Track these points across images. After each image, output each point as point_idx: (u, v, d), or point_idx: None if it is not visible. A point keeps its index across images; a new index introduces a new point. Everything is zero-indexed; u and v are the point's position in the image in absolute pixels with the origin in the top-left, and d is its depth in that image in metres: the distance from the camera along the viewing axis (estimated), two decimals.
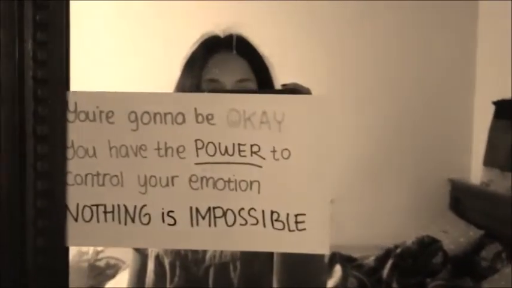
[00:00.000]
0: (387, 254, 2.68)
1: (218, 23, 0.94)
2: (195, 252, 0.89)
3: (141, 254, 0.97)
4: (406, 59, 3.14)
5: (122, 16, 3.08)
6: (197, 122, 0.59)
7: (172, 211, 0.60)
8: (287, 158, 0.59)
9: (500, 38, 2.78)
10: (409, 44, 3.14)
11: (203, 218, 0.60)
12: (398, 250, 2.65)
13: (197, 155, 0.60)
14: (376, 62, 3.14)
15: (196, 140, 0.60)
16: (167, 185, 0.60)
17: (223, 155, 0.60)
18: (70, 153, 0.59)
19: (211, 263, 0.90)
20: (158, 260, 0.93)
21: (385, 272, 2.63)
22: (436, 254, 2.71)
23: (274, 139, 0.59)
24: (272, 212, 0.60)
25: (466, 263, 2.66)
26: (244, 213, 0.60)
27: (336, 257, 2.76)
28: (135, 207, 0.60)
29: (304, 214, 0.60)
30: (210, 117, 0.59)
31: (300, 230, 0.60)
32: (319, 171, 0.60)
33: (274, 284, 0.84)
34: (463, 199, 3.06)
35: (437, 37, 3.11)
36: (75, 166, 0.59)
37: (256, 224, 0.60)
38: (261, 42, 0.94)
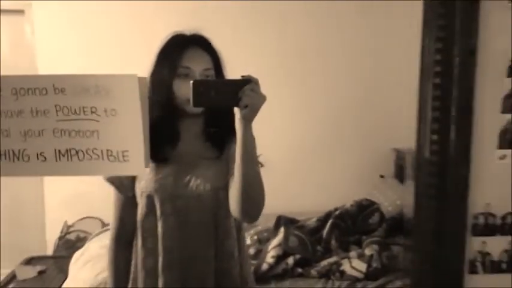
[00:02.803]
0: (328, 215, 3.04)
1: (180, 24, 1.30)
2: (178, 188, 1.24)
3: (125, 196, 1.30)
4: (356, 35, 3.45)
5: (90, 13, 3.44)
6: (55, 93, 0.96)
7: (43, 152, 0.97)
8: (115, 115, 0.96)
9: None
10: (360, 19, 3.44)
11: (64, 156, 0.97)
12: (338, 212, 3.02)
13: (57, 115, 0.96)
14: (324, 37, 3.46)
15: (55, 105, 0.96)
16: (39, 135, 0.97)
17: (74, 114, 0.96)
18: None
19: (190, 195, 1.25)
20: (149, 197, 1.27)
21: (325, 231, 2.99)
22: (373, 214, 3.08)
23: (106, 103, 0.96)
24: (107, 150, 0.97)
25: (401, 222, 3.03)
26: (90, 152, 0.97)
27: (280, 220, 3.11)
28: (19, 150, 0.97)
29: (127, 150, 0.97)
30: (63, 90, 0.96)
31: (126, 161, 0.97)
32: (136, 124, 0.96)
33: (233, 212, 1.18)
34: (405, 167, 3.43)
35: (384, 15, 3.39)
36: None
37: (98, 158, 0.97)
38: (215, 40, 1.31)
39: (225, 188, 1.24)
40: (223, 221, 1.28)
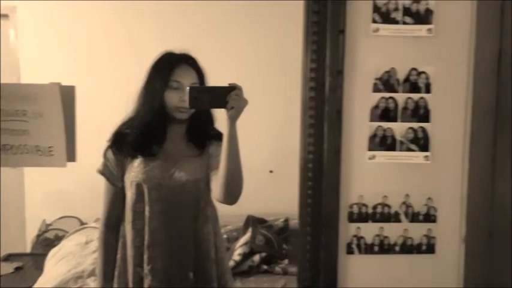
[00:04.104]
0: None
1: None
2: (163, 179, 1.51)
3: (115, 186, 1.57)
4: None
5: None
6: None
7: None
8: (41, 117, 1.25)
9: None
10: None
11: (5, 150, 1.26)
12: None
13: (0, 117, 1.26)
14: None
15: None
16: None
17: (10, 116, 1.26)
18: None
19: (174, 185, 1.52)
20: (138, 186, 1.53)
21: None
22: None
23: (34, 107, 1.25)
24: (36, 146, 1.26)
25: None
26: (22, 147, 1.26)
27: (249, 220, 3.35)
28: None
29: (52, 146, 1.26)
30: (4, 96, 1.25)
31: (51, 155, 1.26)
32: (59, 124, 1.26)
33: (217, 196, 1.47)
34: None
35: None
36: None
37: (28, 153, 1.26)
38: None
39: (205, 180, 1.54)
40: (203, 209, 1.57)
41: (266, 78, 3.50)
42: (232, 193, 1.45)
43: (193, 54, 1.61)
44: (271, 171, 3.69)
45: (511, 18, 1.44)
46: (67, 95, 1.26)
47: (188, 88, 1.31)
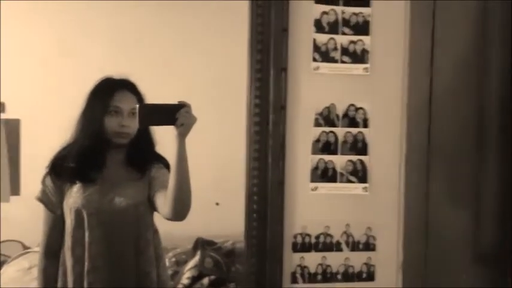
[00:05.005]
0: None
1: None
2: (103, 204, 1.49)
3: (54, 213, 1.55)
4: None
5: None
6: None
7: None
8: None
9: None
10: None
11: None
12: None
13: None
14: None
15: None
16: None
17: None
18: None
19: (114, 210, 1.50)
20: (77, 212, 1.51)
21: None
22: None
23: None
24: None
25: None
26: None
27: (198, 242, 3.37)
28: None
29: None
30: None
31: None
32: (4, 160, 1.25)
33: (165, 213, 1.44)
34: None
35: None
36: None
37: None
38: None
39: (145, 204, 1.54)
40: (144, 232, 1.56)
41: (210, 111, 3.54)
42: (181, 210, 1.46)
43: (133, 79, 1.64)
44: (217, 204, 3.74)
45: (442, 57, 1.57)
46: (11, 128, 1.26)
47: (138, 106, 1.33)
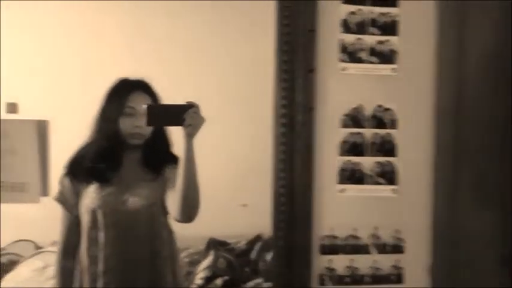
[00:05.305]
0: (257, 238, 3.33)
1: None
2: (118, 204, 1.51)
3: (71, 214, 1.58)
4: None
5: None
6: None
7: None
8: (15, 153, 1.25)
9: None
10: None
11: None
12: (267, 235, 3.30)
13: None
14: None
15: None
16: None
17: None
18: None
19: (128, 210, 1.51)
20: (93, 212, 1.53)
21: (254, 253, 3.27)
22: None
23: (7, 143, 1.24)
24: (11, 182, 1.25)
25: None
26: None
27: (211, 243, 3.37)
28: None
29: (26, 182, 1.25)
30: None
31: (25, 191, 1.25)
32: (34, 161, 1.25)
33: (174, 214, 1.46)
34: None
35: None
36: None
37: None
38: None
39: (159, 204, 1.54)
40: (159, 233, 1.57)
41: (237, 110, 3.54)
42: (189, 212, 1.46)
43: (148, 80, 1.63)
44: (245, 205, 3.72)
45: (470, 57, 1.55)
46: (41, 130, 1.26)
47: (145, 106, 1.32)
